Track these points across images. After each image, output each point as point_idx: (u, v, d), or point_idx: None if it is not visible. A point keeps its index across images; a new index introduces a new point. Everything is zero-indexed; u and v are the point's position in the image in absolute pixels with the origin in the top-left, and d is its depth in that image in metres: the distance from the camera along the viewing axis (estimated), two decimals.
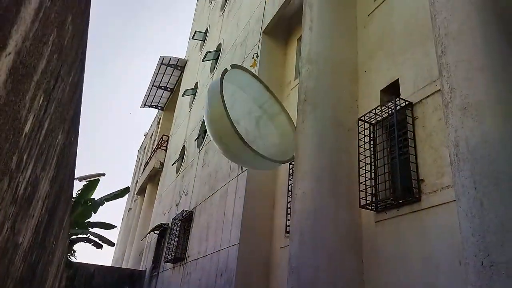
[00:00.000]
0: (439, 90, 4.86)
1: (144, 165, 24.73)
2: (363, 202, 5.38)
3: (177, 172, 15.82)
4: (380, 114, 5.68)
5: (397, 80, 5.86)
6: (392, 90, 5.94)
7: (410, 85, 5.56)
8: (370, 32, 6.93)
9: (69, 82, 2.67)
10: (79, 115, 3.81)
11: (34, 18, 1.50)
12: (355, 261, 5.41)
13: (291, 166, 7.75)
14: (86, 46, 3.12)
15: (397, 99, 5.39)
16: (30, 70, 1.61)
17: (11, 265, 2.43)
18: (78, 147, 4.92)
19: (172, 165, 16.72)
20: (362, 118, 5.92)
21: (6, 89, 1.38)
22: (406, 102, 5.35)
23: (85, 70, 3.81)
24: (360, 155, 5.73)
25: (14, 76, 1.43)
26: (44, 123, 2.23)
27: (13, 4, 1.26)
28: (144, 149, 31.49)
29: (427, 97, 5.20)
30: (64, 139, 3.28)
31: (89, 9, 2.88)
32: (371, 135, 5.85)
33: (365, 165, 5.61)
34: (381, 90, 6.14)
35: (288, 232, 6.99)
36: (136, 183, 27.93)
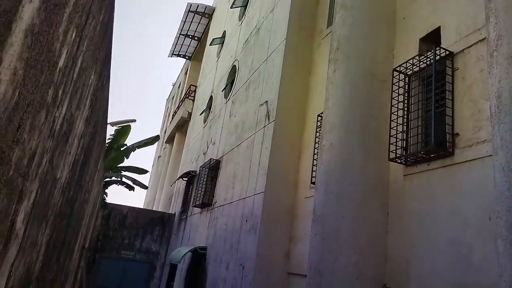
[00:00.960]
0: (484, 39, 4.53)
1: (173, 115, 25.13)
2: (392, 155, 5.28)
3: (204, 122, 16.00)
4: (418, 65, 5.40)
5: (438, 28, 5.48)
6: (432, 39, 5.58)
7: (452, 33, 5.20)
8: None
9: (99, 20, 2.64)
10: (110, 58, 3.82)
11: None
12: (380, 213, 5.43)
13: (319, 118, 7.65)
14: None
15: (437, 49, 5.08)
16: (62, 0, 1.59)
17: (51, 197, 2.58)
18: (109, 85, 4.99)
19: (200, 115, 16.89)
20: (398, 69, 5.65)
21: (39, 17, 1.36)
22: (447, 52, 5.04)
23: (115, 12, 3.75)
24: (392, 107, 5.54)
25: (47, 4, 1.41)
26: (77, 60, 2.24)
27: None
28: (172, 99, 31.85)
29: (470, 46, 4.86)
30: (97, 80, 3.32)
31: None
32: (406, 87, 5.61)
33: (397, 118, 5.45)
34: (420, 39, 5.78)
35: (313, 183, 7.05)
36: (165, 132, 28.61)
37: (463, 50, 4.95)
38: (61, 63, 1.85)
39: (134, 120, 11.71)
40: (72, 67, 2.18)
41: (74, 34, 1.96)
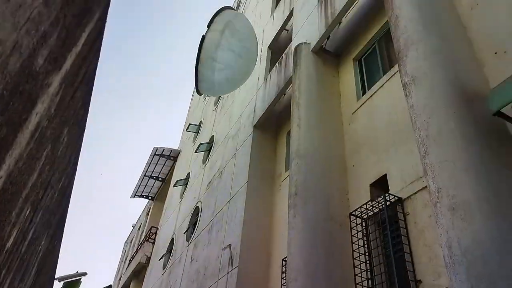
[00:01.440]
0: (426, 186, 4.94)
1: (130, 259, 23.52)
2: None
3: (163, 268, 15.03)
4: (371, 209, 5.66)
5: (385, 175, 5.96)
6: (381, 185, 6.01)
7: (398, 180, 5.65)
8: (355, 129, 7.26)
9: (58, 188, 2.67)
10: (65, 218, 3.73)
11: (30, 140, 1.55)
12: None
13: (283, 262, 7.46)
14: (79, 151, 3.20)
15: (386, 195, 5.43)
16: (19, 188, 1.62)
17: None
18: (61, 244, 4.73)
19: (159, 260, 15.95)
20: (354, 213, 5.88)
21: None
22: (396, 198, 5.38)
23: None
24: (354, 252, 5.57)
25: (3, 197, 1.44)
26: (28, 234, 2.17)
27: (11, 131, 1.32)
28: (131, 242, 30.25)
29: (416, 193, 5.25)
30: (48, 244, 3.17)
31: (87, 117, 3.00)
32: (364, 231, 5.76)
33: (360, 264, 5.42)
34: (370, 185, 6.21)
35: None
36: (120, 280, 26.26)
37: (410, 196, 5.31)
38: (9, 244, 1.78)
39: (84, 274, 10.79)
40: (22, 242, 2.10)
41: (28, 211, 1.95)
